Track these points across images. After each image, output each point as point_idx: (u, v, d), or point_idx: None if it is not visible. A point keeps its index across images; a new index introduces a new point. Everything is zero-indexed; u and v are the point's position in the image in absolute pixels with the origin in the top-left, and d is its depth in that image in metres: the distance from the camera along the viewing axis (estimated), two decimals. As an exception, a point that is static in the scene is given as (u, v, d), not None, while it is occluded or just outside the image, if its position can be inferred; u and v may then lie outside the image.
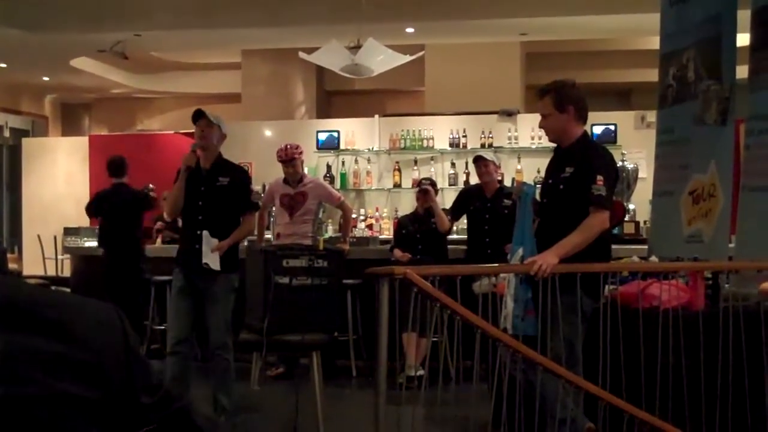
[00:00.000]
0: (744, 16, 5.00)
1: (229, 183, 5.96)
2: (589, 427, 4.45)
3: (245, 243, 8.82)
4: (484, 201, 7.73)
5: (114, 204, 8.54)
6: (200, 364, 6.61)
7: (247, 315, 5.83)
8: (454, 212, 8.04)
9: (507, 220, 7.12)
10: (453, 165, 11.14)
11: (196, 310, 5.91)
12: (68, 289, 9.50)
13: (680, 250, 5.30)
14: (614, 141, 10.47)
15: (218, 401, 5.85)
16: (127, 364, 1.33)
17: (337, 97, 14.92)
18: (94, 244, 9.84)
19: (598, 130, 10.41)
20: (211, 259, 5.84)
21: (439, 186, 9.06)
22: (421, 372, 7.08)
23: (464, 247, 8.04)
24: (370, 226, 11.10)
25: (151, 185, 9.01)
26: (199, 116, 5.97)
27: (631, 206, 8.91)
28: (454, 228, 8.42)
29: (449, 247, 8.07)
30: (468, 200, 7.94)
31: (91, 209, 8.84)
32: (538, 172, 9.89)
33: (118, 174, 8.60)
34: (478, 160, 7.78)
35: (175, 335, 5.90)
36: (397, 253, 7.85)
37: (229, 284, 5.92)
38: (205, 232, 5.86)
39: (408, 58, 9.48)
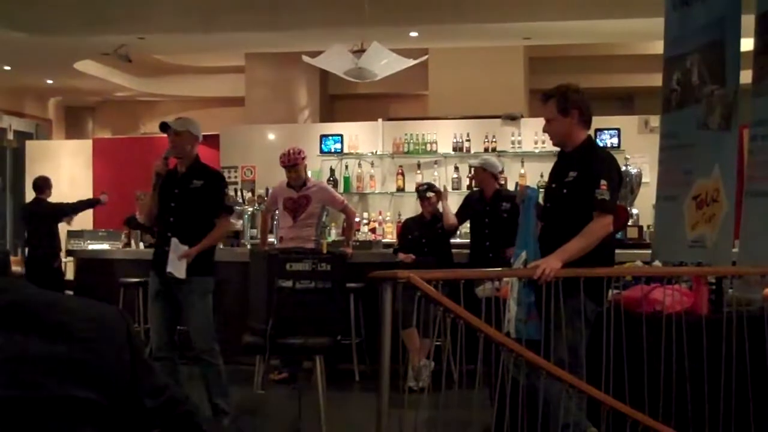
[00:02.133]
0: (748, 20, 5.00)
1: (202, 186, 5.93)
2: (592, 432, 4.45)
3: (248, 246, 8.85)
4: (484, 205, 7.77)
5: (33, 213, 10.44)
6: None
7: (251, 318, 5.84)
8: (458, 217, 8.08)
9: (506, 223, 7.19)
10: (456, 169, 11.14)
11: (175, 312, 5.86)
12: (71, 292, 9.53)
13: (684, 255, 5.30)
14: (618, 146, 10.47)
15: (217, 405, 5.83)
16: (131, 367, 1.33)
17: (340, 100, 14.91)
18: (97, 246, 9.88)
19: (601, 135, 10.41)
20: (176, 268, 5.75)
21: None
22: (425, 362, 7.07)
23: (468, 251, 8.06)
24: (373, 230, 11.10)
25: (103, 197, 10.76)
26: (164, 128, 5.99)
27: (635, 211, 8.90)
28: (458, 232, 8.42)
29: (454, 251, 8.08)
30: (470, 206, 7.99)
31: (21, 217, 11.04)
32: (542, 176, 9.89)
33: (38, 191, 10.43)
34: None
35: (157, 341, 5.87)
36: (402, 255, 7.86)
37: (204, 288, 5.87)
38: (174, 240, 5.80)
39: (412, 62, 9.48)
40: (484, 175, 7.77)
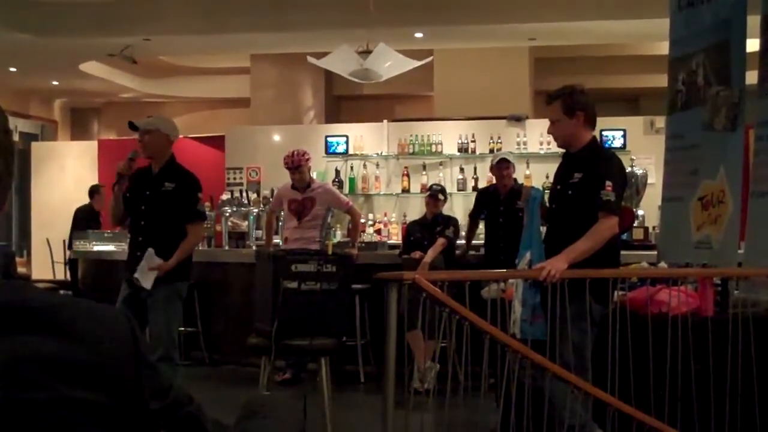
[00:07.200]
0: (753, 21, 4.99)
1: (174, 189, 5.75)
2: (597, 434, 4.44)
3: (253, 247, 8.85)
4: (497, 204, 7.74)
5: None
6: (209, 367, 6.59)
7: (256, 319, 5.84)
8: (474, 214, 8.07)
9: (521, 222, 7.20)
10: (462, 170, 11.14)
11: (142, 318, 5.59)
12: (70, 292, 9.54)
13: (689, 256, 5.28)
14: (623, 146, 10.46)
15: None
16: (136, 369, 1.33)
17: (345, 101, 14.92)
18: (102, 248, 9.88)
19: (607, 135, 10.40)
20: (144, 277, 5.59)
21: (447, 191, 9.06)
22: (430, 364, 7.07)
23: (474, 252, 8.05)
24: (378, 231, 11.10)
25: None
26: (133, 128, 5.80)
27: (640, 212, 8.88)
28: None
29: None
30: (483, 202, 7.98)
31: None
32: (547, 177, 9.88)
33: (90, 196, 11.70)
34: (501, 163, 7.79)
35: None
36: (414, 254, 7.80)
37: (174, 292, 5.72)
38: (150, 250, 5.63)
39: (417, 63, 9.48)
40: (509, 171, 7.75)
